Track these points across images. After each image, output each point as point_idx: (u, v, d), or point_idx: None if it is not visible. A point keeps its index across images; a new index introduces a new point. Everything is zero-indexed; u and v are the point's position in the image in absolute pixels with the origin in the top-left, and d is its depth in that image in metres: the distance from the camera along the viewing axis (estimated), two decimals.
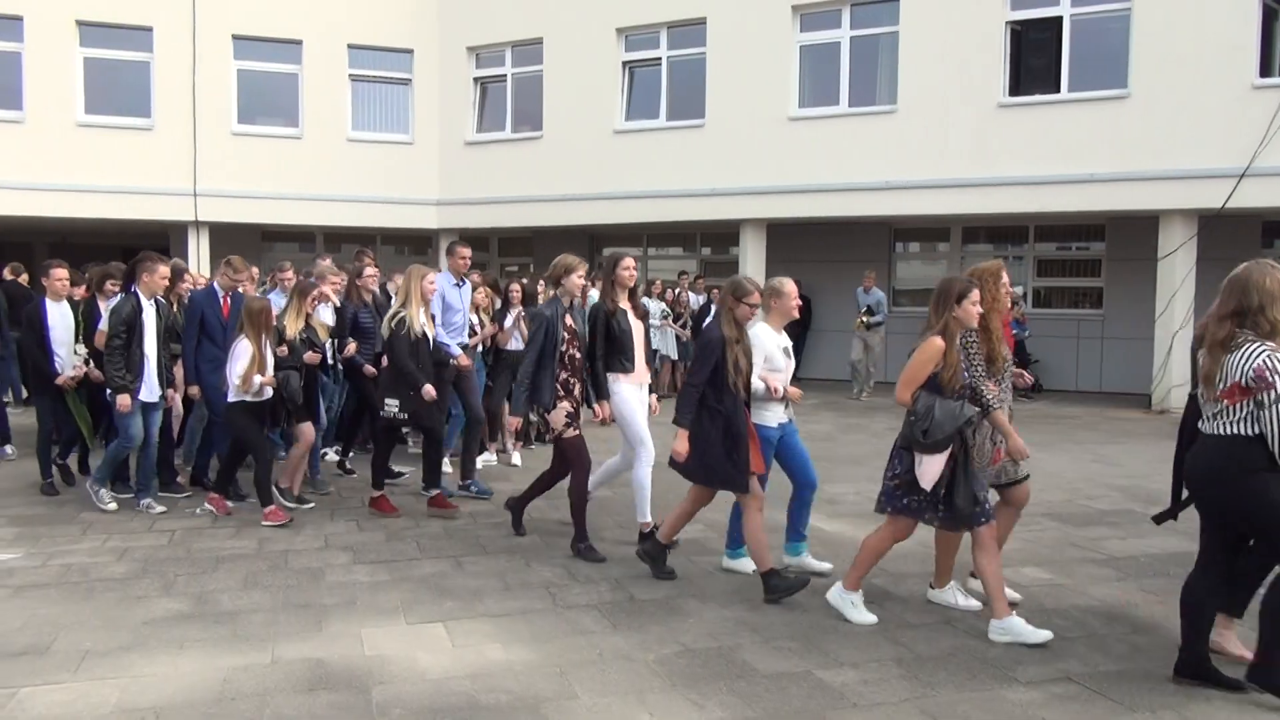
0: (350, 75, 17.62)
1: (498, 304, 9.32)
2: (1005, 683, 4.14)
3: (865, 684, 4.11)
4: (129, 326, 6.78)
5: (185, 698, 3.92)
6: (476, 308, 8.84)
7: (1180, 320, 13.11)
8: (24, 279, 11.78)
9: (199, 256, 16.67)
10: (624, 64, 16.73)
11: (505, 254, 20.60)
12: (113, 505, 7.05)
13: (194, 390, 7.56)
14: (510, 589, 5.34)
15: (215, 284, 7.87)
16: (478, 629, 4.72)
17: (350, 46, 17.48)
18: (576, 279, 6.07)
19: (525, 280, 9.69)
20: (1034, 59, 14.09)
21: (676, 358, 14.44)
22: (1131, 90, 13.08)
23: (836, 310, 16.44)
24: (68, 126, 16.09)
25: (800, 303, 5.97)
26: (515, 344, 8.89)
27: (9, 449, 8.88)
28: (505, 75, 17.83)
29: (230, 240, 17.24)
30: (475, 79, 18.04)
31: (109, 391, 6.84)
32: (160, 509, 7.00)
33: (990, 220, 15.96)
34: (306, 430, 7.28)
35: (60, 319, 7.62)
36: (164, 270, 7.06)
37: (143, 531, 6.49)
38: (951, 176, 14.03)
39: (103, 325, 7.24)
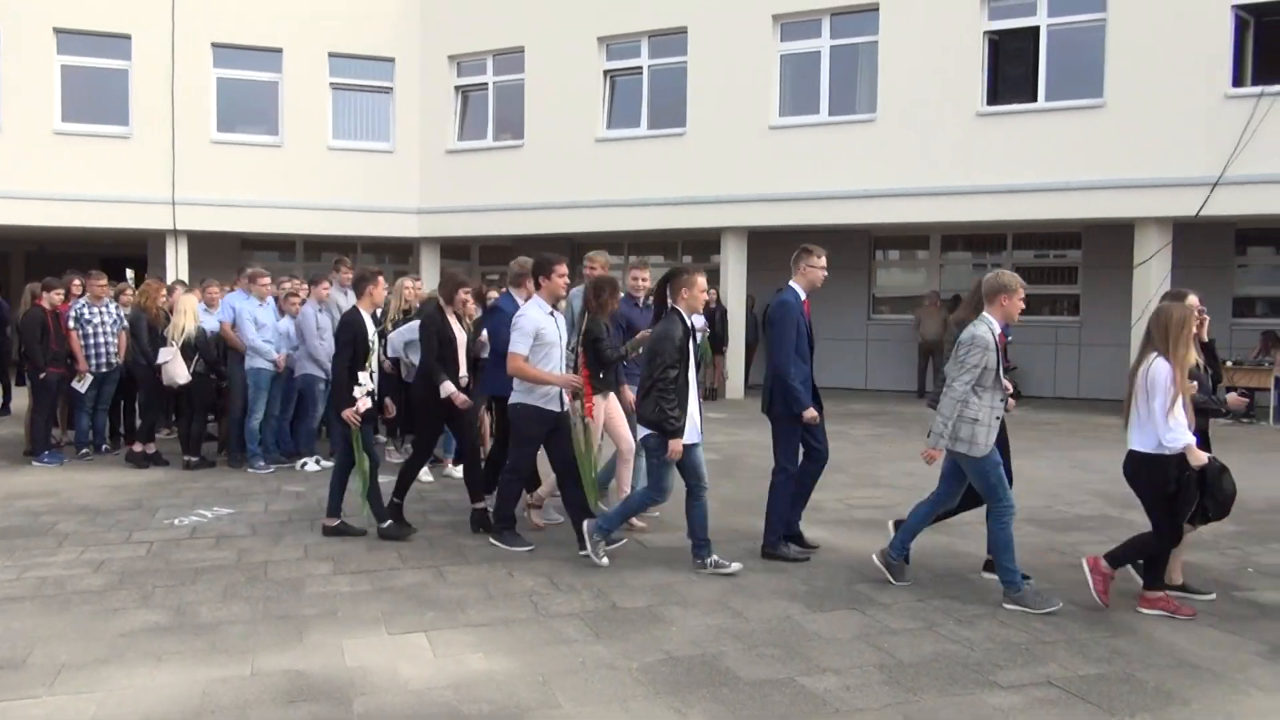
0: (331, 84, 17.56)
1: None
2: (986, 687, 4.16)
3: (847, 690, 4.12)
4: (683, 351, 5.57)
5: (163, 711, 3.88)
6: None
7: None
8: None
9: (177, 265, 16.56)
10: (605, 73, 16.77)
11: (486, 263, 20.57)
12: (605, 561, 5.88)
13: (811, 415, 5.92)
14: (492, 598, 5.32)
15: (793, 283, 6.12)
16: (460, 639, 4.70)
17: (331, 55, 17.44)
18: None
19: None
20: (1011, 69, 14.22)
21: None
22: (1107, 100, 13.22)
23: (817, 318, 16.46)
24: (45, 134, 15.95)
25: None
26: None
27: None
28: (486, 84, 17.83)
29: (209, 249, 17.18)
30: (456, 87, 18.03)
31: (648, 433, 5.59)
32: (736, 566, 5.78)
33: (969, 228, 16.08)
34: None
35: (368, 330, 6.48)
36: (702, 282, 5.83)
37: (120, 543, 6.42)
38: (931, 185, 14.13)
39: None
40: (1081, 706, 3.98)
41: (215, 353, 9.10)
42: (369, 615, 5.03)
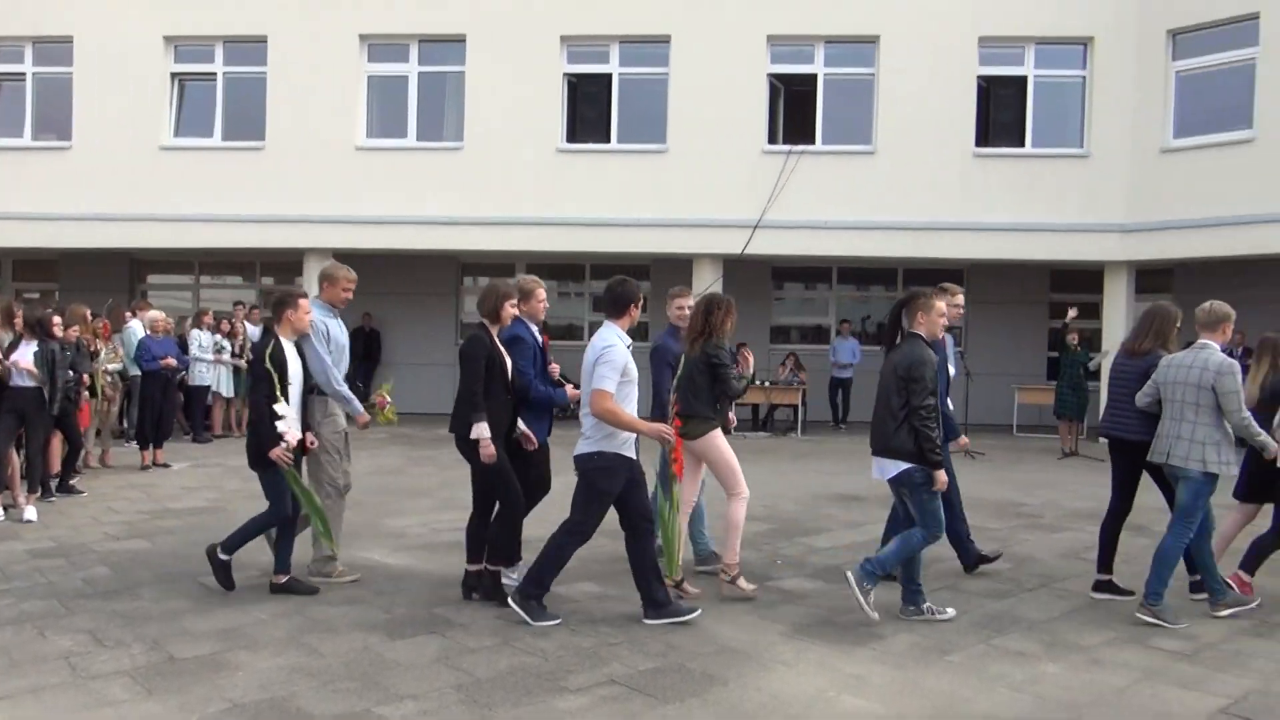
0: None
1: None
2: (557, 693, 4.38)
3: (424, 714, 4.12)
4: (937, 379, 5.44)
5: None
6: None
7: None
8: None
9: None
10: (173, 75, 15.43)
11: (24, 279, 17.90)
12: (951, 612, 5.62)
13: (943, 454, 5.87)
14: (17, 665, 4.61)
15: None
16: None
17: None
18: None
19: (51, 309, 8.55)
20: (588, 110, 15.30)
21: (230, 394, 13.44)
22: (669, 146, 14.68)
23: (406, 343, 16.38)
24: None
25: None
26: (19, 380, 7.87)
27: None
28: (25, 74, 15.60)
29: None
30: None
31: (910, 468, 5.36)
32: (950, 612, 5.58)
33: (552, 258, 16.93)
34: None
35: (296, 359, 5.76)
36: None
37: None
38: (515, 215, 14.71)
39: (614, 382, 5.23)
40: (640, 699, 4.34)
41: None
42: None
